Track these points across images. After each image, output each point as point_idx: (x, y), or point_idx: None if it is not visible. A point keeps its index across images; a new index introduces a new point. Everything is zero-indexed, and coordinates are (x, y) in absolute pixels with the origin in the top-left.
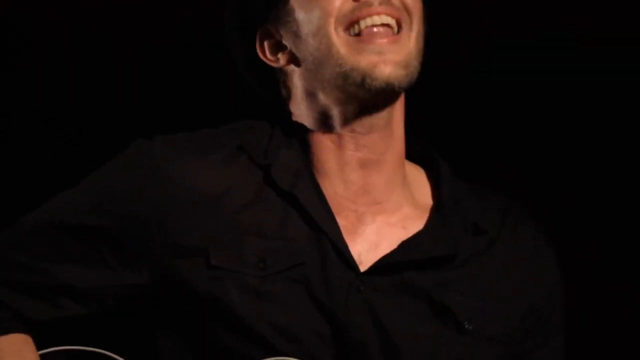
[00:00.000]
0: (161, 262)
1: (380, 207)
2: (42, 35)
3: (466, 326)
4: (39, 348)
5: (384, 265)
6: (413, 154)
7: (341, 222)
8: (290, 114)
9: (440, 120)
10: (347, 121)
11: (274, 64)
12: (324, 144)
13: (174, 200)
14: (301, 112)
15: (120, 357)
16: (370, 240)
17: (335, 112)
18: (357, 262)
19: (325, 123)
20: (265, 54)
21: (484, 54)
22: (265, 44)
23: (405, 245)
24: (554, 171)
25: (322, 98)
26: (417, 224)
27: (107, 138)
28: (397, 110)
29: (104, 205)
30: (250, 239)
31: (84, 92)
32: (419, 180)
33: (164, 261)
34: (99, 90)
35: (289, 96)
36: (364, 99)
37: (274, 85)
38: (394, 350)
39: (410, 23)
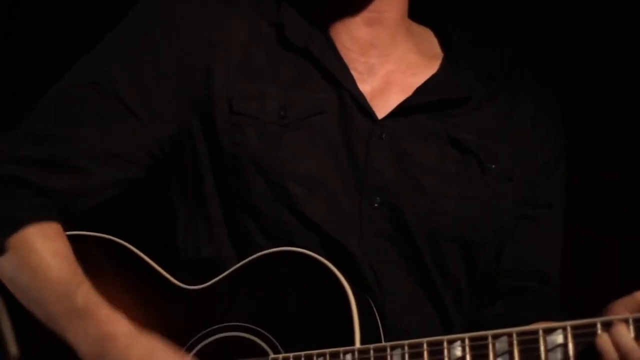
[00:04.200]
0: (187, 109)
1: (388, 58)
2: None
3: (489, 166)
4: None
5: (401, 110)
6: (422, 16)
7: (353, 73)
8: None
9: None
10: None
11: None
12: (332, 2)
13: (196, 48)
14: None
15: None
16: (381, 87)
17: None
18: (373, 109)
19: None
20: None
21: None
22: None
23: (421, 90)
24: None
25: None
26: (425, 71)
27: None
28: None
29: (126, 57)
30: (272, 89)
31: None
32: (425, 35)
33: (190, 108)
34: None
35: None
36: None
37: None
38: (421, 193)
39: None
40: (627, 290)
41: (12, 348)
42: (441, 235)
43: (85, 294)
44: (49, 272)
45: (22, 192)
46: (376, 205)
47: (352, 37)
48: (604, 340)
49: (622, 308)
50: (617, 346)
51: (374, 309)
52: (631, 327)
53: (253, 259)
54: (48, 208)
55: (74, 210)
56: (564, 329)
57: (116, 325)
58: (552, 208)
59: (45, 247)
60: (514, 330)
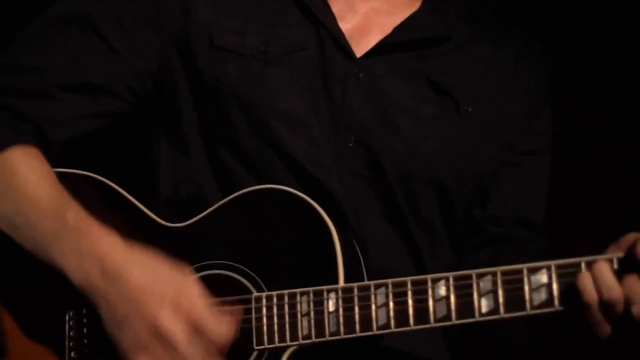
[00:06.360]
0: (167, 45)
1: None
2: None
3: (465, 108)
4: None
5: (379, 48)
6: None
7: (334, 10)
8: None
9: None
10: None
11: None
12: None
13: None
14: None
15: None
16: (360, 26)
17: None
18: (352, 48)
19: None
20: None
21: None
22: None
23: (399, 28)
24: None
25: None
26: (406, 11)
27: None
28: None
29: None
30: (253, 25)
31: None
32: None
33: (169, 43)
34: None
35: None
36: None
37: None
38: (396, 134)
39: None
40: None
41: None
42: (415, 177)
43: (76, 212)
44: (35, 193)
45: (3, 116)
46: (351, 144)
47: None
48: (585, 277)
49: (614, 249)
50: (597, 283)
51: (357, 248)
52: (615, 266)
53: (236, 197)
54: (29, 133)
55: (54, 138)
56: (549, 268)
57: (110, 242)
58: (537, 154)
59: (30, 169)
60: (498, 269)
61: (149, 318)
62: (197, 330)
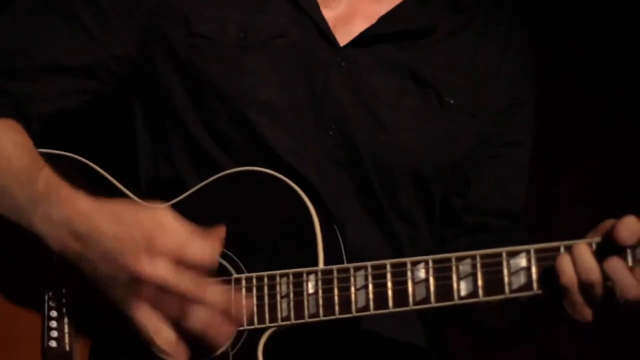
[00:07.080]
0: (146, 32)
1: None
2: None
3: (447, 100)
4: None
5: (364, 38)
6: None
7: None
8: None
9: None
10: None
11: None
12: None
13: None
14: None
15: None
16: (345, 14)
17: None
18: (336, 36)
19: None
20: None
21: None
22: None
23: (384, 19)
24: None
25: None
26: (391, 0)
27: None
28: None
29: None
30: (232, 12)
31: None
32: None
33: (148, 30)
34: None
35: None
36: None
37: None
38: (377, 125)
39: None
40: None
41: None
42: (394, 167)
43: (46, 178)
44: (11, 163)
45: None
46: (331, 133)
47: None
48: (564, 259)
49: (592, 235)
50: (576, 265)
51: (337, 232)
52: (593, 250)
53: (216, 178)
54: (6, 106)
55: (33, 113)
56: (528, 252)
57: (76, 202)
58: (519, 146)
59: (5, 139)
60: (478, 253)
61: (128, 270)
62: (180, 259)
